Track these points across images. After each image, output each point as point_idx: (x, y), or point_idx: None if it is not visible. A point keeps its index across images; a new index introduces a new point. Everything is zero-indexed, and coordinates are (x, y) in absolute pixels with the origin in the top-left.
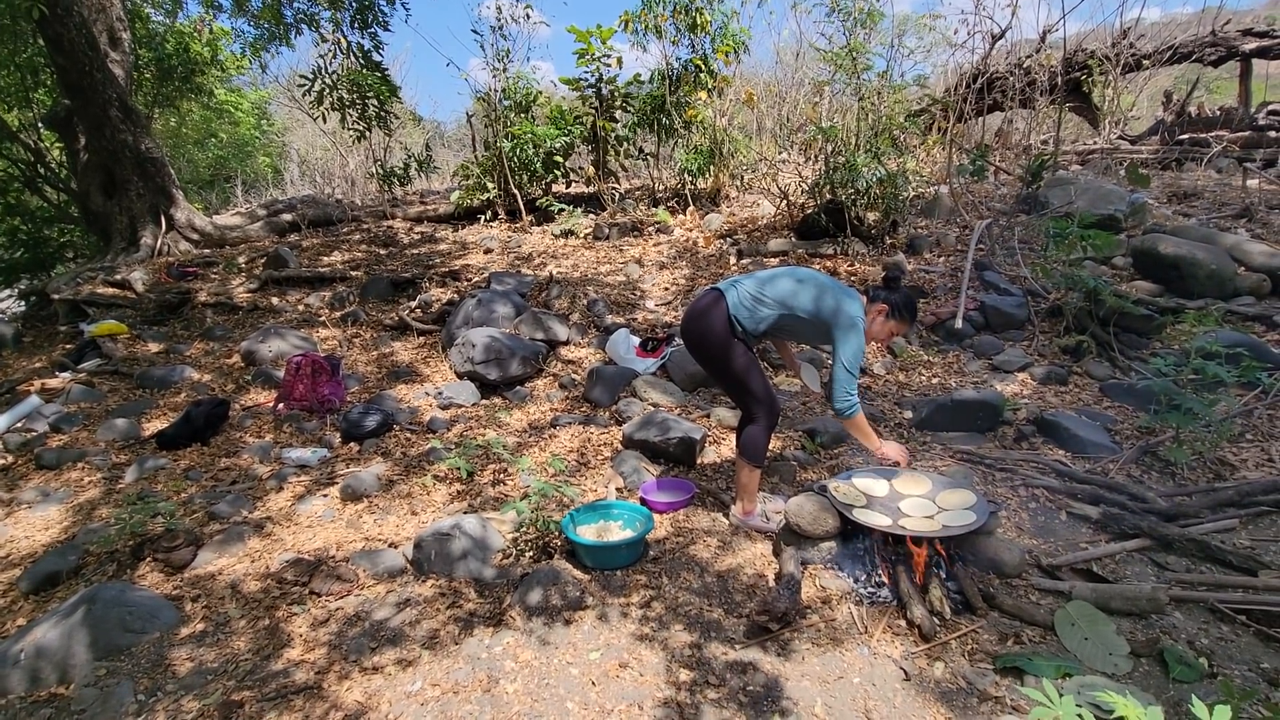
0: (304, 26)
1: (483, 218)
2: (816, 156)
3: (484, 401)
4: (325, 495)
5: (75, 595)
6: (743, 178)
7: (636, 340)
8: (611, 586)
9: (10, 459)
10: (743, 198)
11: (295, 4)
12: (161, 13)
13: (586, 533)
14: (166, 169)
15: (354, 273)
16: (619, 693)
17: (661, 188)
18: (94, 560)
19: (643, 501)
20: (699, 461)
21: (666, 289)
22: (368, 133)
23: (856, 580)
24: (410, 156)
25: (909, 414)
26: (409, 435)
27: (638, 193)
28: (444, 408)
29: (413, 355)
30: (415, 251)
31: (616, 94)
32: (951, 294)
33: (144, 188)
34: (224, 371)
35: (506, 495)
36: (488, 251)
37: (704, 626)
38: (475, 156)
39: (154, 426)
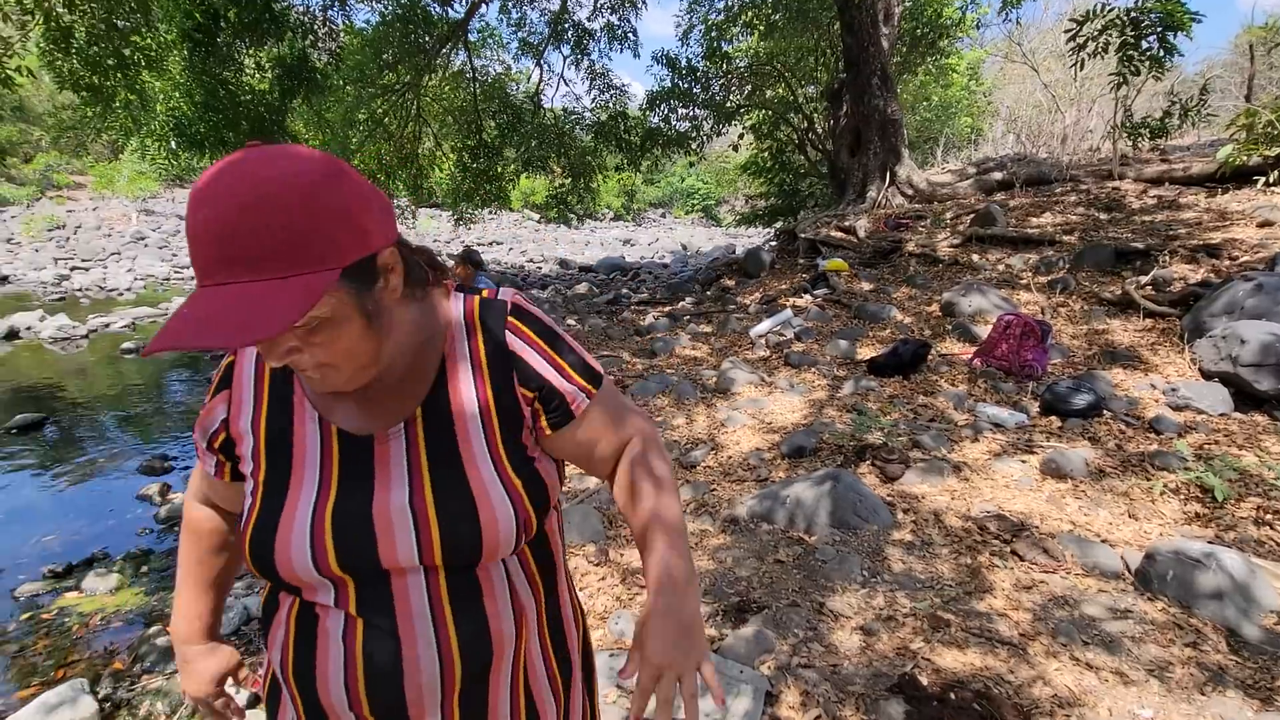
0: None
1: (1261, 180)
2: None
3: (1238, 415)
4: (1023, 461)
5: (820, 471)
6: None
7: None
8: None
9: (769, 354)
10: None
11: None
12: None
13: None
14: (902, 130)
15: (1066, 237)
16: None
17: None
18: (827, 448)
19: None
20: None
21: None
22: (1134, 77)
23: None
24: (1175, 103)
25: None
26: (1124, 427)
27: None
28: (1176, 408)
29: (1134, 339)
30: (1148, 218)
31: None
32: None
33: (880, 147)
34: (922, 317)
35: (1277, 543)
36: (1265, 224)
37: None
38: (1249, 101)
39: (864, 353)
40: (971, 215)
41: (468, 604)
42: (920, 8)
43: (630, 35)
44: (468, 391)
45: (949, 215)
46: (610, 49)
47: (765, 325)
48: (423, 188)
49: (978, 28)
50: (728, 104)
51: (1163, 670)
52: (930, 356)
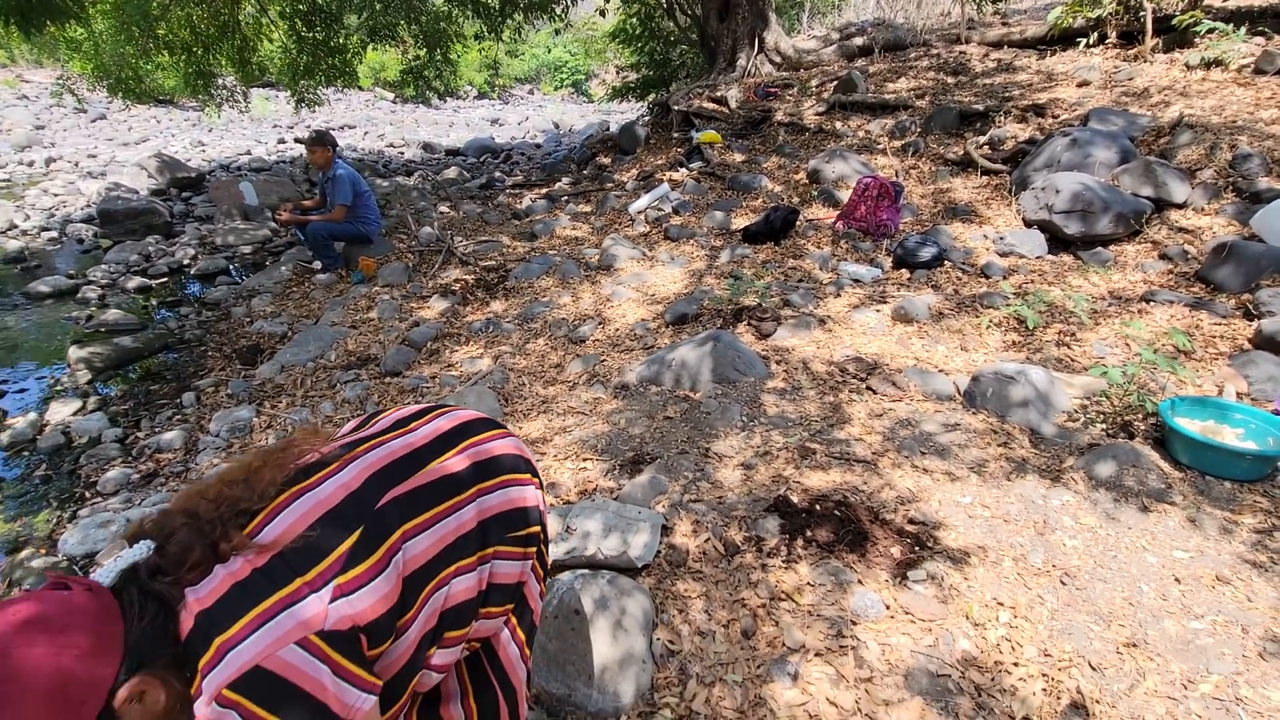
0: None
1: (1083, 42)
2: None
3: (1050, 256)
4: (877, 311)
5: (702, 333)
6: None
7: None
8: (1213, 495)
9: (648, 229)
10: None
11: None
12: None
13: (1188, 427)
14: None
15: (918, 101)
16: (1212, 604)
17: None
18: (707, 313)
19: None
20: None
21: None
22: None
23: None
24: None
25: None
26: (961, 274)
27: None
28: (1002, 254)
29: (973, 195)
30: (989, 81)
31: None
32: None
33: (748, 12)
34: (792, 185)
35: (1072, 359)
36: (1083, 84)
37: None
38: None
39: (739, 222)
40: (835, 82)
41: None
42: None
43: None
44: None
45: (814, 83)
46: None
47: (643, 201)
48: (251, 63)
49: None
50: None
51: (981, 466)
52: (799, 222)
